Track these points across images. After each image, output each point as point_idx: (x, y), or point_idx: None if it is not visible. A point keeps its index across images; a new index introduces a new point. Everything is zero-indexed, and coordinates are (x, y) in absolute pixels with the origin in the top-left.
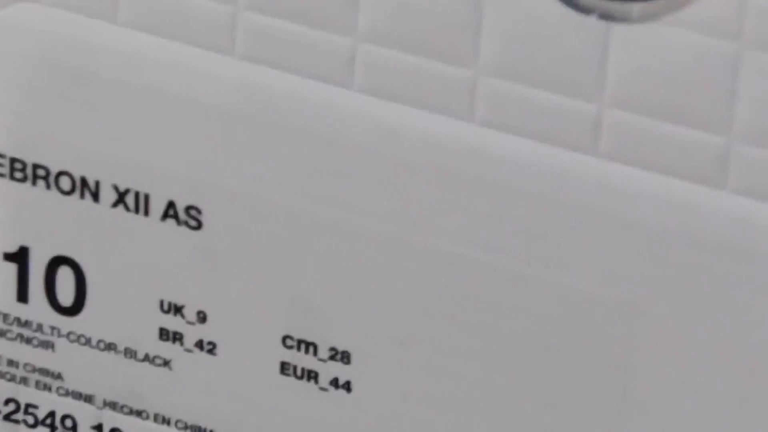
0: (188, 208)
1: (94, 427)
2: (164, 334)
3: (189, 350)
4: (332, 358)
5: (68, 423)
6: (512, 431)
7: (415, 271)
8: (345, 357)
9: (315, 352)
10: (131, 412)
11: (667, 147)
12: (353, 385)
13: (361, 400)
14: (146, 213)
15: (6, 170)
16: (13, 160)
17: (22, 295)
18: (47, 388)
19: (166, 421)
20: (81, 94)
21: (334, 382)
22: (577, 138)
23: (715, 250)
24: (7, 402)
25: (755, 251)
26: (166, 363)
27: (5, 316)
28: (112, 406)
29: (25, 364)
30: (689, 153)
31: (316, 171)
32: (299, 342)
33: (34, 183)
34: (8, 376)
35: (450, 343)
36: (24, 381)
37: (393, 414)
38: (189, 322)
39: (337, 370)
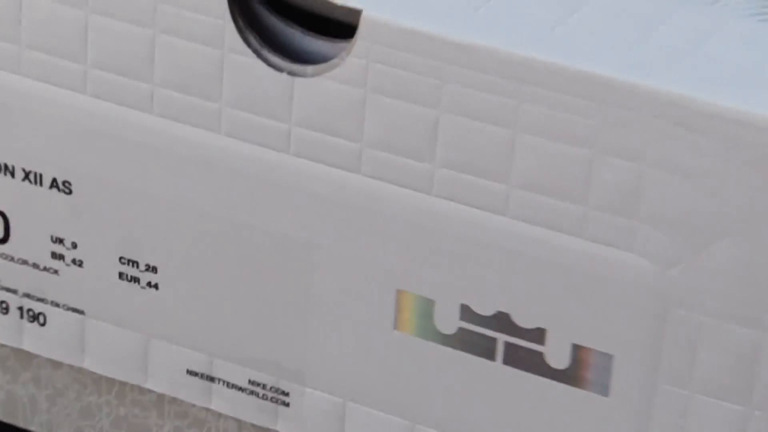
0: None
1: None
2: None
3: (68, 265)
4: (146, 269)
5: None
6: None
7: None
8: (154, 269)
9: (137, 266)
10: None
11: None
12: (160, 286)
13: (167, 295)
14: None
15: None
16: None
17: None
18: None
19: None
20: None
21: (148, 284)
22: None
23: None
24: None
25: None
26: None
27: None
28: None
29: None
30: None
31: None
32: (128, 260)
33: None
34: None
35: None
36: None
37: (189, 304)
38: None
39: (149, 277)
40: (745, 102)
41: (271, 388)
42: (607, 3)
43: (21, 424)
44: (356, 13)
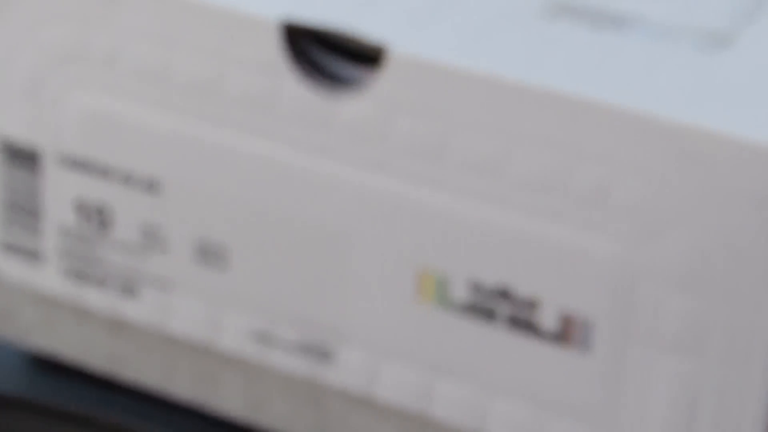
0: None
1: None
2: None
3: (157, 249)
4: (220, 253)
5: None
6: None
7: None
8: (226, 253)
9: (212, 250)
10: None
11: None
12: (230, 267)
13: (236, 274)
14: None
15: None
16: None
17: None
18: None
19: None
20: None
21: (221, 265)
22: None
23: None
24: None
25: None
26: None
27: None
28: None
29: None
30: None
31: None
32: (205, 246)
33: None
34: None
35: None
36: None
37: (252, 280)
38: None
39: (222, 259)
40: (695, 117)
41: (316, 347)
42: (576, 35)
43: (127, 378)
44: (384, 48)
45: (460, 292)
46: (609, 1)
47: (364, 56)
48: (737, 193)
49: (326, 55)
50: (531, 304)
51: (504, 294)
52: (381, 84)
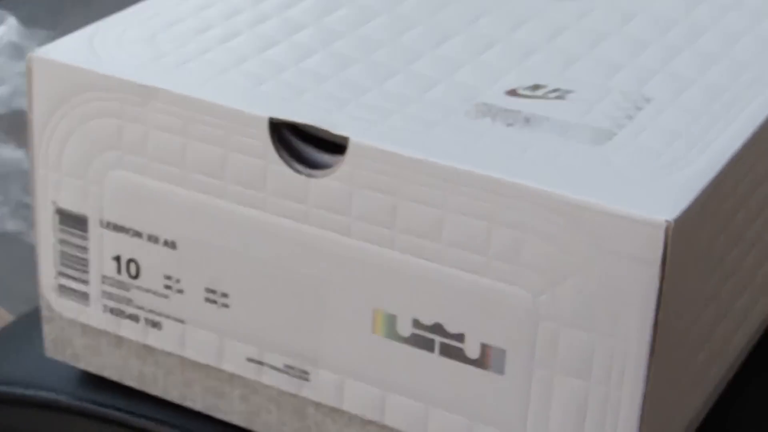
0: None
1: None
2: None
3: (174, 292)
4: (222, 296)
5: None
6: None
7: None
8: (226, 295)
9: (216, 293)
10: None
11: None
12: (230, 306)
13: (234, 311)
14: None
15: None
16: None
17: None
18: None
19: None
20: None
21: (223, 305)
22: None
23: None
24: None
25: None
26: None
27: None
28: None
29: None
30: None
31: None
32: (211, 290)
33: None
34: None
35: None
36: None
37: (247, 316)
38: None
39: (223, 300)
40: (586, 194)
41: (297, 368)
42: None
43: (153, 392)
44: (346, 138)
45: (405, 328)
46: (520, 104)
47: (333, 145)
48: (616, 252)
49: (304, 144)
50: (459, 337)
51: (438, 329)
52: (345, 166)
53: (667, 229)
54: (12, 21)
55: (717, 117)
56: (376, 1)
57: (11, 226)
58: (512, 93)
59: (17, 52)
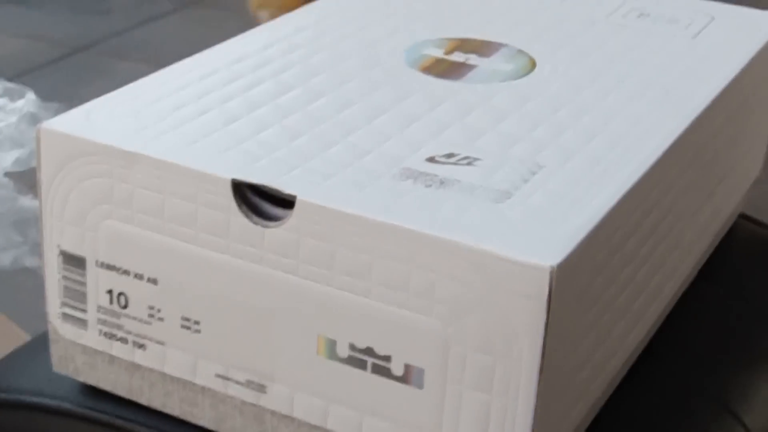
0: None
1: None
2: None
3: (156, 320)
4: (194, 323)
5: None
6: None
7: None
8: (197, 322)
9: (190, 321)
10: None
11: None
12: (201, 331)
13: (205, 335)
14: None
15: None
16: None
17: None
18: None
19: None
20: None
21: (195, 330)
22: None
23: None
24: None
25: None
26: None
27: None
28: None
29: None
30: None
31: None
32: (186, 318)
33: None
34: None
35: None
36: None
37: (216, 339)
38: None
39: (195, 326)
40: (487, 243)
41: (256, 383)
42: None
43: (140, 401)
44: (294, 196)
45: (344, 350)
46: (437, 169)
47: (283, 201)
48: (511, 291)
49: (260, 200)
50: (387, 358)
51: (370, 352)
52: (293, 219)
53: (551, 273)
54: (30, 95)
55: (595, 181)
56: (323, 84)
57: (29, 262)
58: (431, 159)
59: (34, 120)
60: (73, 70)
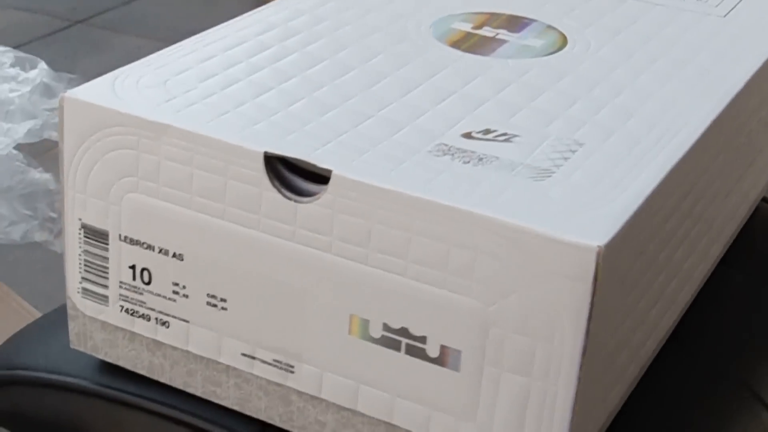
0: None
1: None
2: None
3: (181, 297)
4: (221, 300)
5: None
6: None
7: None
8: (224, 300)
9: (216, 298)
10: None
11: None
12: (227, 308)
13: (231, 313)
14: None
15: None
16: None
17: None
18: None
19: None
20: None
21: (222, 308)
22: None
23: None
24: None
25: None
26: None
27: None
28: None
29: None
30: None
31: None
32: (211, 295)
33: None
34: None
35: None
36: None
37: (242, 317)
38: None
39: (222, 303)
40: (530, 222)
41: (283, 363)
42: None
43: (161, 379)
44: (329, 171)
45: (377, 331)
46: (474, 146)
47: (317, 176)
48: (555, 271)
49: (293, 175)
50: (422, 339)
51: (404, 332)
52: (327, 195)
53: (598, 253)
54: (43, 65)
55: (635, 162)
56: (351, 57)
57: (38, 236)
58: (467, 136)
59: (47, 91)
60: (71, 43)
